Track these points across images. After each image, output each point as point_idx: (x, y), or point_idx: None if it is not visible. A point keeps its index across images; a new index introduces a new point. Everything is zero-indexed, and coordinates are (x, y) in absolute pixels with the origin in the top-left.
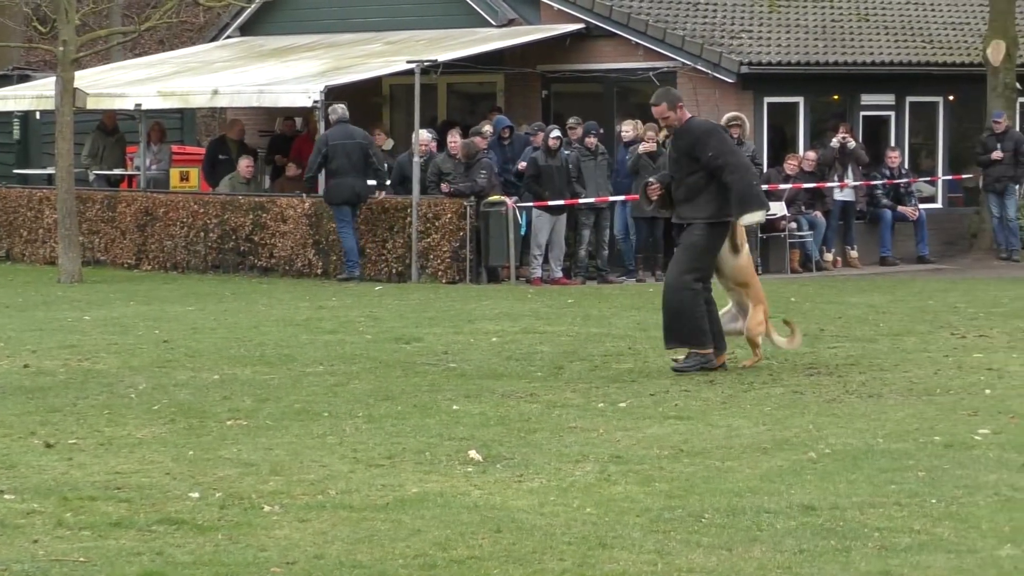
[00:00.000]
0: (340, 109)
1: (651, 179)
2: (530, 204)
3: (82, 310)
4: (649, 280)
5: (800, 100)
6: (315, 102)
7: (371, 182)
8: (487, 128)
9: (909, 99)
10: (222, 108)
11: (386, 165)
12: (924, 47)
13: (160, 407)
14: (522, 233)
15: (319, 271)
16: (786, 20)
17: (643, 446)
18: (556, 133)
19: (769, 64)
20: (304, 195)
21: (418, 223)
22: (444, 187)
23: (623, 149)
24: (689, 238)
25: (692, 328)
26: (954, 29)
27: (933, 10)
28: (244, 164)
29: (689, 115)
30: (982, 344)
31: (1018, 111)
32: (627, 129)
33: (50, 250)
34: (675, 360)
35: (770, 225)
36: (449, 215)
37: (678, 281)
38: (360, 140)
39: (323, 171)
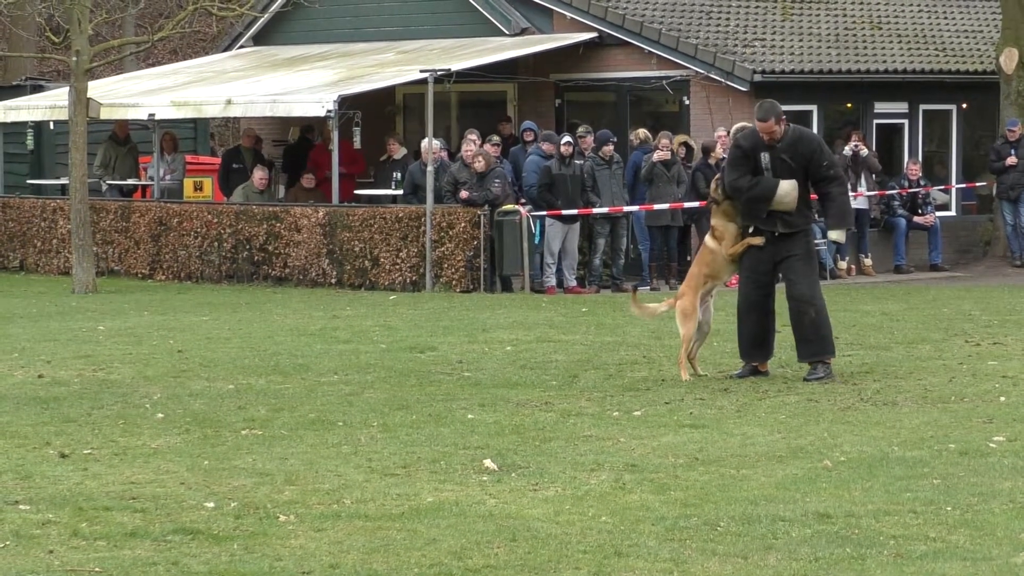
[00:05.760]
0: None
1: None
2: (543, 213)
3: (96, 320)
4: (663, 288)
5: (813, 108)
6: (328, 112)
7: None
8: (497, 137)
9: (922, 107)
10: (235, 118)
11: (398, 175)
12: (937, 55)
13: (174, 416)
14: (536, 242)
15: (333, 280)
16: (799, 28)
17: (658, 454)
18: (567, 139)
19: (782, 72)
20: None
21: (432, 232)
22: (463, 194)
23: (638, 153)
24: (802, 247)
25: (827, 336)
26: (967, 37)
27: (946, 18)
28: (258, 175)
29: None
30: (996, 351)
31: None
32: (631, 137)
33: (64, 260)
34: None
35: None
36: (463, 224)
37: (812, 292)
38: None
39: None
